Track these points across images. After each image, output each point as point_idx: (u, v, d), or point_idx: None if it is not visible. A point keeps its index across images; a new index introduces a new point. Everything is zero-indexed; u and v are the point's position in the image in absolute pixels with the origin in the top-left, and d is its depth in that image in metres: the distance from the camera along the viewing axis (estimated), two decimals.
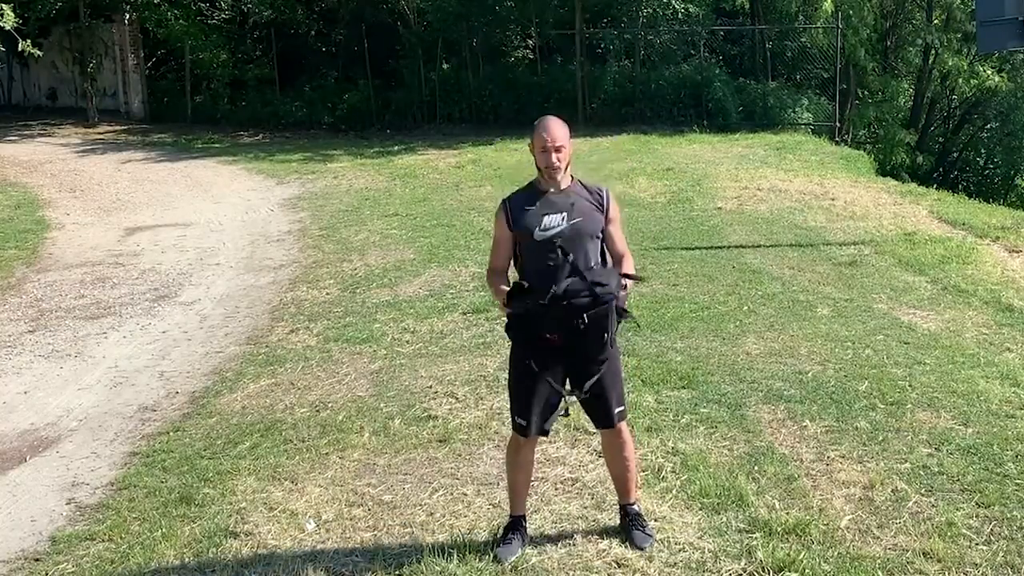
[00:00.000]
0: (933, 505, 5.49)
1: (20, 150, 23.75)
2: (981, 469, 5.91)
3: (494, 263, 5.21)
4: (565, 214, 4.92)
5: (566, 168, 4.96)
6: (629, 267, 5.07)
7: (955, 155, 31.67)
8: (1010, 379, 7.37)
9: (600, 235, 5.01)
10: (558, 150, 4.89)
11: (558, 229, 4.89)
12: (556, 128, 4.91)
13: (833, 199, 14.85)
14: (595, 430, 6.49)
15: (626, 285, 4.96)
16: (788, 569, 4.87)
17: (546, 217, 4.92)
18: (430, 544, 5.24)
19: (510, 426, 5.19)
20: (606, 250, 5.06)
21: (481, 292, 10.10)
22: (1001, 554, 4.99)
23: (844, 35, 23.95)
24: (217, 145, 24.20)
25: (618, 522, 5.33)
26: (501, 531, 5.23)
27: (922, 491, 5.65)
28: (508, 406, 5.18)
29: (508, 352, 5.16)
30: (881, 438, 6.37)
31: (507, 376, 5.23)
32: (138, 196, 17.43)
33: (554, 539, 5.23)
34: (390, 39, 27.59)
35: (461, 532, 5.36)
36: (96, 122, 28.03)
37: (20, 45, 17.77)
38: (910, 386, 7.25)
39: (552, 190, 4.96)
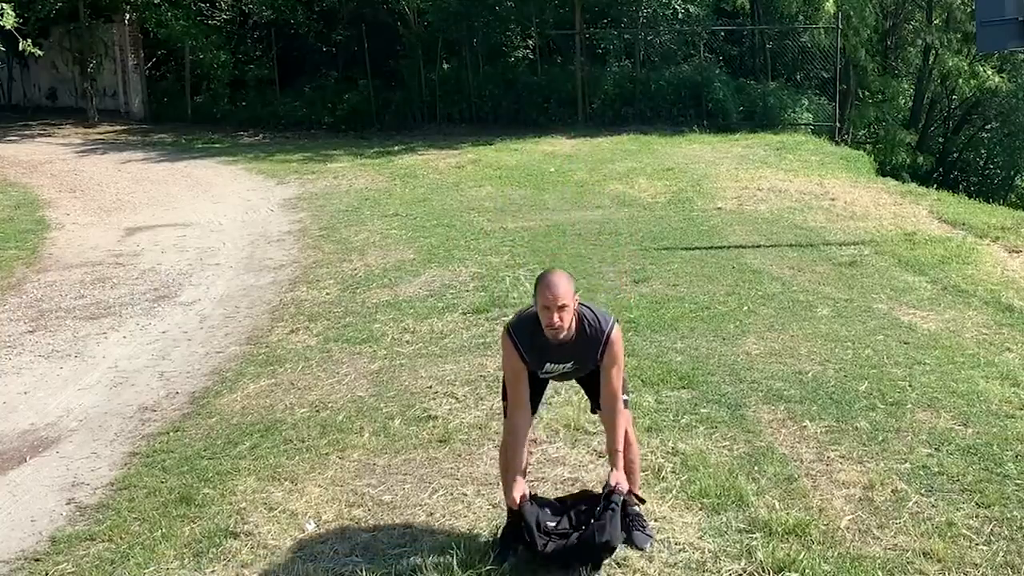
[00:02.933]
0: (933, 505, 5.49)
1: (20, 150, 23.74)
2: (981, 469, 5.91)
3: (517, 399, 5.04)
4: (567, 364, 5.06)
5: (568, 325, 4.89)
6: (622, 422, 5.05)
7: (955, 155, 31.67)
8: (1010, 379, 7.37)
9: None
10: (561, 309, 4.77)
11: (558, 372, 5.12)
12: (560, 286, 4.79)
13: (833, 199, 14.84)
14: (595, 430, 6.52)
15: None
16: (788, 569, 4.87)
17: (548, 364, 5.04)
18: (430, 544, 5.24)
19: (503, 426, 5.24)
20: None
21: (481, 292, 10.10)
22: (1001, 554, 4.99)
23: (845, 35, 23.93)
24: (217, 145, 24.20)
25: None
26: (500, 531, 5.23)
27: (922, 491, 5.65)
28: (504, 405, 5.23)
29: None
30: (881, 438, 6.37)
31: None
32: (138, 196, 17.42)
33: None
34: (390, 39, 27.59)
35: (461, 532, 5.36)
36: (96, 122, 28.03)
37: (20, 44, 17.74)
38: (910, 386, 7.25)
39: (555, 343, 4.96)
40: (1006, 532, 5.20)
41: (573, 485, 5.86)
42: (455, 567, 4.95)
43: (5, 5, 16.49)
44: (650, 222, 13.49)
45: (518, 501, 4.84)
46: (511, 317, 5.12)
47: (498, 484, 5.84)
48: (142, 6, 28.19)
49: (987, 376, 7.44)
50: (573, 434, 6.51)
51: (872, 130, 28.18)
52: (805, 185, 15.98)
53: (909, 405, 6.90)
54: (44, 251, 13.38)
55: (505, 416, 5.19)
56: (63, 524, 5.86)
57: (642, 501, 5.22)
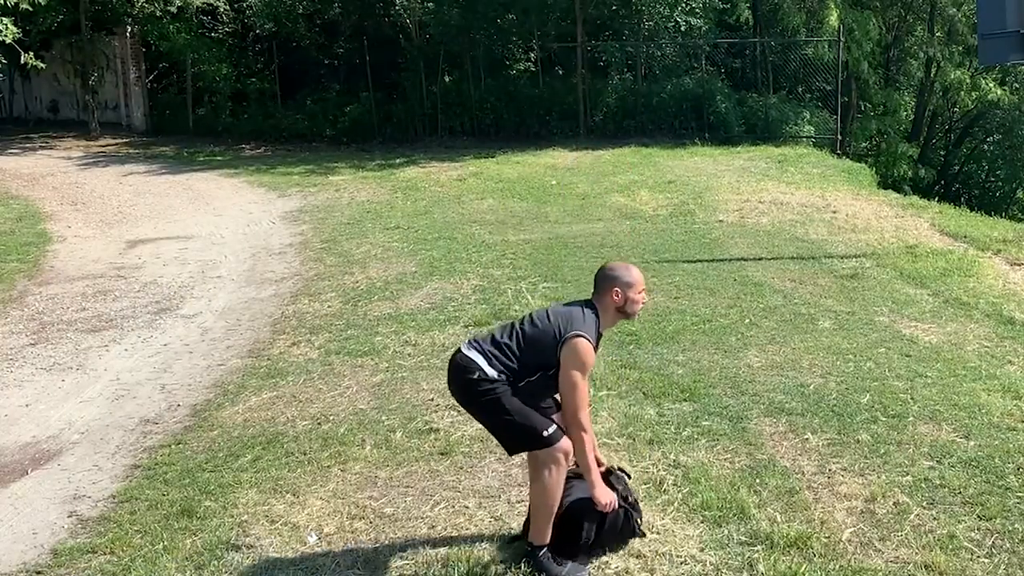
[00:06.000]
0: (935, 518, 5.49)
1: (22, 163, 23.79)
2: (982, 482, 5.91)
3: (587, 398, 5.04)
4: None
5: None
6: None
7: (957, 168, 31.69)
8: (1011, 392, 7.37)
9: None
10: None
11: None
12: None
13: (835, 212, 14.85)
14: (597, 443, 6.52)
15: None
16: None
17: None
18: (432, 557, 5.24)
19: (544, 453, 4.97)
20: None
21: (483, 305, 10.10)
22: (1003, 567, 4.99)
23: (847, 48, 23.96)
24: (219, 158, 24.24)
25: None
26: (551, 560, 5.04)
27: (924, 504, 5.65)
28: (525, 435, 4.97)
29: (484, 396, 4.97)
30: (883, 451, 6.37)
31: (508, 414, 4.93)
32: (140, 209, 17.45)
33: None
34: (392, 52, 27.65)
35: (463, 545, 5.36)
36: (98, 135, 28.06)
37: (22, 58, 17.81)
38: (912, 399, 7.25)
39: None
40: (1008, 545, 5.20)
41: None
42: None
43: (6, 19, 16.56)
44: (652, 235, 13.50)
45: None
46: (569, 328, 4.93)
47: (499, 496, 5.86)
48: (144, 19, 28.29)
49: (989, 389, 7.44)
50: None
51: (874, 143, 28.23)
52: (807, 198, 16.00)
53: (911, 418, 6.90)
54: (46, 264, 13.40)
55: (551, 443, 4.92)
56: (65, 537, 5.85)
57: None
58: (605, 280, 5.12)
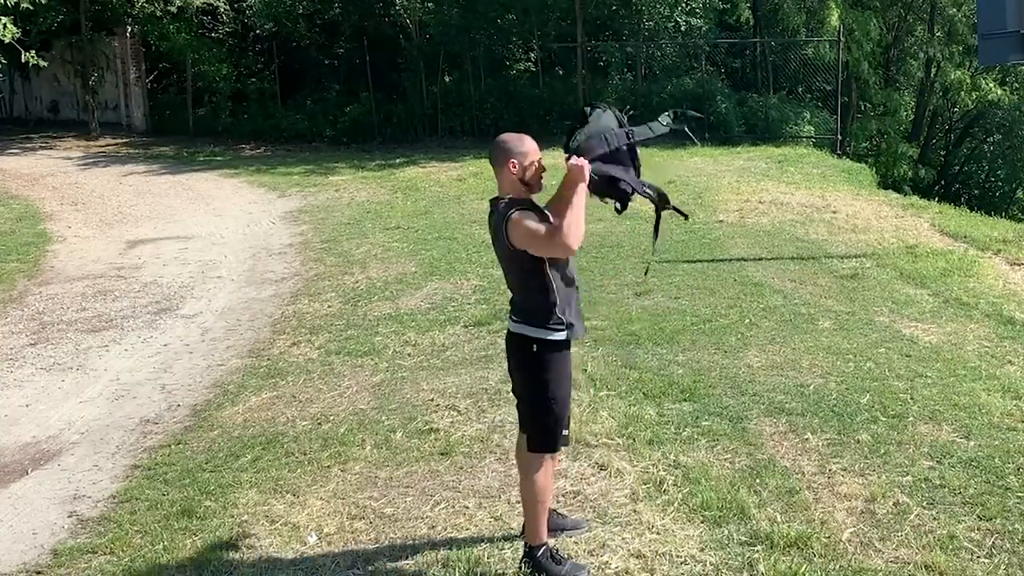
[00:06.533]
0: (935, 518, 5.49)
1: (22, 163, 23.80)
2: (983, 482, 5.91)
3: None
4: None
5: None
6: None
7: (957, 168, 31.68)
8: (1011, 392, 7.37)
9: None
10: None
11: None
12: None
13: (835, 212, 14.84)
14: (596, 443, 6.53)
15: None
16: None
17: None
18: (432, 557, 5.24)
19: (540, 450, 4.96)
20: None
21: (483, 305, 10.11)
22: (1003, 567, 4.98)
23: (848, 48, 23.95)
24: (219, 158, 24.25)
25: (621, 535, 5.33)
26: (550, 560, 5.02)
27: (924, 504, 5.65)
28: (534, 424, 4.96)
29: (537, 367, 4.95)
30: (883, 451, 6.37)
31: (545, 397, 4.92)
32: (140, 209, 17.45)
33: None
34: (392, 52, 27.65)
35: (463, 545, 5.36)
36: (98, 135, 28.08)
37: (23, 56, 17.80)
38: (912, 399, 7.25)
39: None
40: (1007, 545, 5.20)
41: (575, 498, 5.86)
42: None
43: (5, 19, 16.52)
44: (651, 235, 13.45)
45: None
46: (504, 207, 5.14)
47: (499, 496, 5.86)
48: (144, 19, 28.30)
49: (988, 389, 7.44)
50: (575, 447, 6.49)
51: (874, 143, 28.20)
52: (807, 198, 15.99)
53: (911, 418, 6.90)
54: (46, 264, 13.40)
55: (550, 449, 4.96)
56: (65, 537, 5.86)
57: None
58: (499, 153, 5.09)
